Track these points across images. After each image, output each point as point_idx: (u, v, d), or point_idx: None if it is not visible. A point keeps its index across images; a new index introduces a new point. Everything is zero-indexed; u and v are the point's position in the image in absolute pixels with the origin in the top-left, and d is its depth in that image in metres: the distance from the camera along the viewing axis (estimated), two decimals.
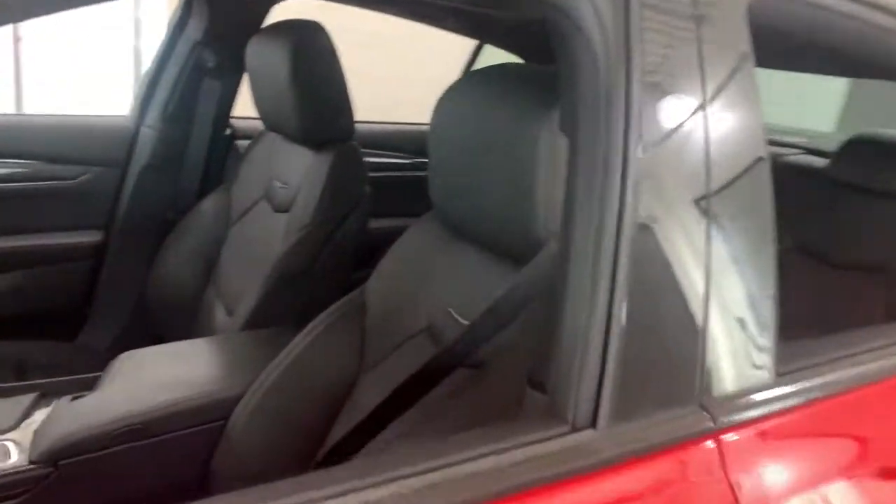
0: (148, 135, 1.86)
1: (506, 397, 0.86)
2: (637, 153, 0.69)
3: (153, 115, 1.86)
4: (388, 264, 1.19)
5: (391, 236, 1.21)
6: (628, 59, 0.69)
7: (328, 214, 1.53)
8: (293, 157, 1.65)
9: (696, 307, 0.73)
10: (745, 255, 0.77)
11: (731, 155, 0.76)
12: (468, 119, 1.00)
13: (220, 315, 1.68)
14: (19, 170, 1.75)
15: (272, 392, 1.16)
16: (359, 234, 1.58)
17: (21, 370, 1.61)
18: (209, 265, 1.78)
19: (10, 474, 1.05)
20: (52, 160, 1.79)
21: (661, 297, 0.72)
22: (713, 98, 0.74)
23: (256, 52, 1.61)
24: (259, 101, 1.67)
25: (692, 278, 0.73)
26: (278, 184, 1.67)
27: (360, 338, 1.18)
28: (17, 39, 4.58)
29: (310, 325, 1.19)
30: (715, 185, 0.74)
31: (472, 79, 1.06)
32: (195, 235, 1.81)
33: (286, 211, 1.61)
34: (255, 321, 1.48)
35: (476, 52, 2.30)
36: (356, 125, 1.61)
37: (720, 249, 0.75)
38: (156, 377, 1.25)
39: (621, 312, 0.69)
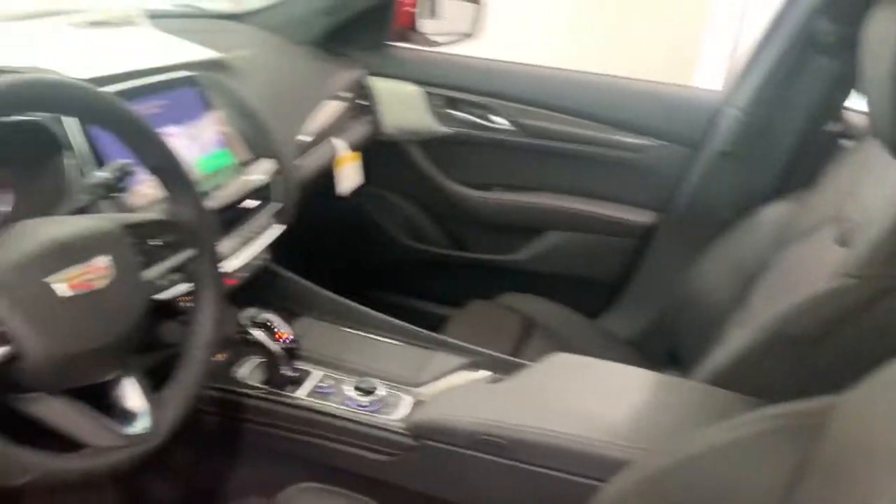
0: (731, 116, 1.56)
1: None
2: None
3: (743, 95, 1.55)
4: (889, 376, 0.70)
5: None
6: None
7: (887, 269, 1.01)
8: (885, 175, 1.15)
9: None
10: None
11: None
12: None
13: None
14: (596, 132, 1.70)
15: (646, 486, 0.83)
16: None
17: (529, 326, 1.62)
18: (747, 285, 1.44)
19: (387, 430, 1.04)
20: (628, 129, 1.68)
21: None
22: None
23: (871, 24, 1.14)
24: (865, 91, 1.20)
25: None
26: (853, 208, 1.20)
27: (788, 484, 0.73)
28: None
29: (732, 423, 0.80)
30: None
31: None
32: (744, 245, 1.48)
33: (846, 246, 1.15)
34: (730, 371, 1.12)
35: None
36: None
37: None
38: (566, 394, 1.06)
39: None
